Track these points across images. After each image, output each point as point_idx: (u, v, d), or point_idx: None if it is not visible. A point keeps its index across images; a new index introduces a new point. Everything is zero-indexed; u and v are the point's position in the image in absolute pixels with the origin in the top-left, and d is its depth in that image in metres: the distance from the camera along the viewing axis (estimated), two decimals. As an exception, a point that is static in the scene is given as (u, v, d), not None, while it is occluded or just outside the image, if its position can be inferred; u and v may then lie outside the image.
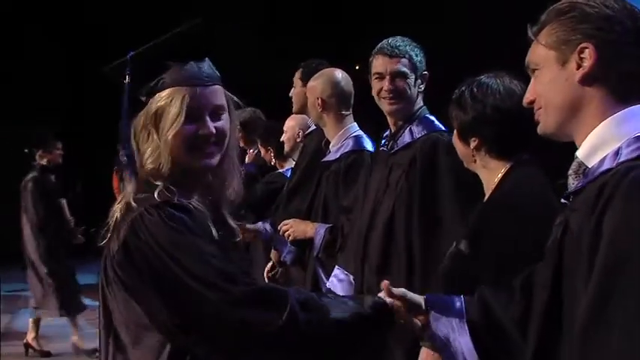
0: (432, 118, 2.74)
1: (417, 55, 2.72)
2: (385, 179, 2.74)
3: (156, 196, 1.58)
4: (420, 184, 2.58)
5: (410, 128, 2.70)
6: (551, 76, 1.42)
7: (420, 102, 2.76)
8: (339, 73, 3.29)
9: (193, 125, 1.61)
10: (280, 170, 4.77)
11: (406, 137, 2.69)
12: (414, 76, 2.72)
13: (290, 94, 3.79)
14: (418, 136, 2.66)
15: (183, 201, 1.59)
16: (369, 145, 3.20)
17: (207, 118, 1.63)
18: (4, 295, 9.31)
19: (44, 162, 6.38)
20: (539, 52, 1.43)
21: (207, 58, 1.67)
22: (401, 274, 2.60)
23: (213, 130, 1.62)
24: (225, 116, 1.66)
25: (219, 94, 1.66)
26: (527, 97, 1.49)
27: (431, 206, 2.55)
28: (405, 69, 2.69)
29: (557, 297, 1.36)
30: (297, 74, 3.75)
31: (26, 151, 6.17)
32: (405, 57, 2.70)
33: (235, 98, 1.73)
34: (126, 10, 10.72)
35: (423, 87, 2.74)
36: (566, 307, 1.34)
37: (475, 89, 1.95)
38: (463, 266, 1.90)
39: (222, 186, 1.70)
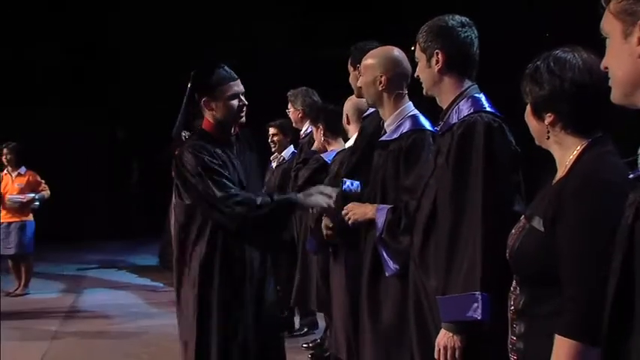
0: (480, 96, 2.64)
1: (423, 37, 2.69)
2: (433, 161, 2.72)
3: None
4: (454, 167, 2.52)
5: (457, 108, 2.63)
6: (616, 48, 1.37)
7: (465, 81, 2.67)
8: (397, 52, 3.23)
9: None
10: (322, 154, 4.85)
11: (453, 118, 2.62)
12: (424, 58, 2.69)
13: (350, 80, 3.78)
14: (462, 117, 2.58)
15: None
16: (427, 124, 3.14)
17: None
18: (70, 275, 9.61)
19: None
20: (608, 20, 1.37)
21: None
22: (440, 256, 2.55)
23: None
24: None
25: None
26: (603, 64, 1.44)
27: (462, 189, 2.48)
28: (416, 55, 2.74)
29: (628, 283, 1.31)
30: (349, 61, 3.72)
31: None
32: (417, 42, 2.73)
33: None
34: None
35: (438, 66, 2.64)
36: (638, 294, 1.28)
37: (552, 63, 1.86)
38: (538, 244, 1.83)
39: None
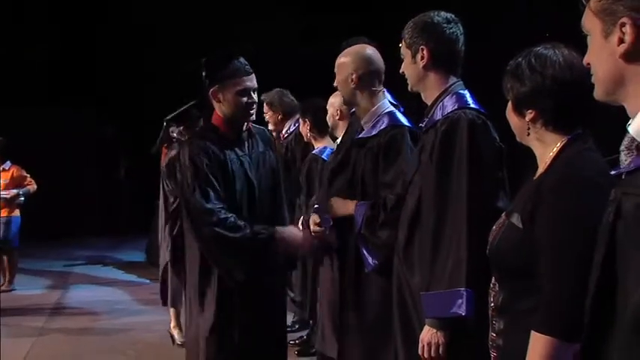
0: (464, 92, 2.65)
1: (408, 33, 2.70)
2: (417, 158, 2.72)
3: None
4: (438, 163, 2.53)
5: (441, 105, 2.64)
6: (596, 47, 1.37)
7: (450, 78, 2.68)
8: (370, 49, 3.22)
9: None
10: (316, 150, 4.83)
11: (437, 114, 2.63)
12: (409, 54, 2.70)
13: None
14: (446, 113, 2.60)
15: None
16: (404, 120, 3.14)
17: None
18: (56, 271, 9.56)
19: (185, 139, 6.07)
20: (589, 18, 1.37)
21: None
22: (424, 252, 2.57)
23: None
24: None
25: None
26: (585, 60, 1.44)
27: (446, 185, 2.50)
28: (402, 50, 2.74)
29: (609, 278, 1.31)
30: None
31: (164, 124, 5.96)
32: (402, 39, 2.74)
33: None
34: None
35: (423, 62, 2.65)
36: (619, 291, 1.29)
37: (533, 60, 1.86)
38: (517, 240, 1.84)
39: None
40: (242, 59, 3.17)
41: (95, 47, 12.02)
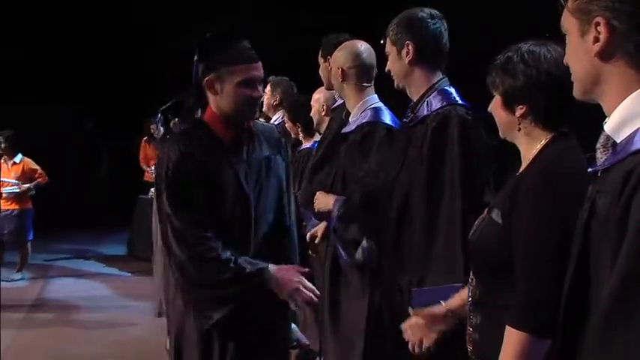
0: (451, 90, 2.67)
1: (392, 30, 2.71)
2: (404, 153, 2.73)
3: None
4: (430, 159, 2.55)
5: (427, 101, 2.66)
6: (574, 46, 1.39)
7: (436, 73, 2.70)
8: (361, 45, 3.25)
9: None
10: (305, 146, 4.80)
11: (424, 110, 2.65)
12: (395, 50, 2.71)
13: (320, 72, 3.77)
14: (434, 109, 2.62)
15: None
16: (386, 118, 3.16)
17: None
18: (37, 264, 9.48)
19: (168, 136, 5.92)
20: (567, 18, 1.39)
21: None
22: (412, 248, 2.58)
23: None
24: None
25: None
26: (564, 60, 1.45)
27: (438, 180, 2.52)
28: (387, 49, 2.75)
29: (584, 276, 1.33)
30: (320, 52, 3.71)
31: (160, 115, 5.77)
32: (387, 36, 2.74)
33: None
34: None
35: (408, 58, 2.67)
36: (592, 288, 1.31)
37: (526, 55, 1.84)
38: (496, 236, 1.85)
39: None
40: (246, 43, 2.55)
41: (78, 45, 11.91)
